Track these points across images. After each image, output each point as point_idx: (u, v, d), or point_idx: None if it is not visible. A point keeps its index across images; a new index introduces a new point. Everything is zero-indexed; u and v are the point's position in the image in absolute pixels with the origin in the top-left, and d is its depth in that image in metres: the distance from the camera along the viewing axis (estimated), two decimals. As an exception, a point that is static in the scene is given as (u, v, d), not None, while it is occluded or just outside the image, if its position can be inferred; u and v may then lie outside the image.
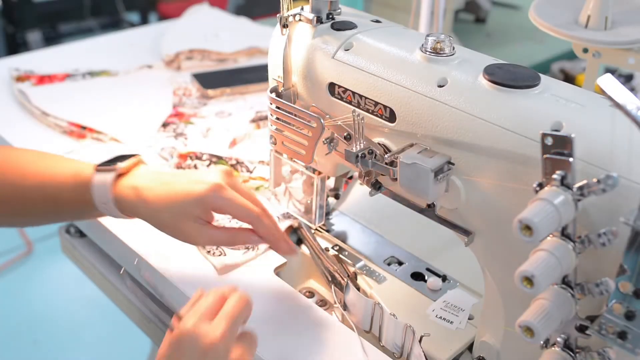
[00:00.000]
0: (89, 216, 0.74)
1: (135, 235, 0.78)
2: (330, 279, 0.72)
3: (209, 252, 0.75)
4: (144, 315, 0.81)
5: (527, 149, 0.51)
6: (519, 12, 1.78)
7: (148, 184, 0.66)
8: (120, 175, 0.68)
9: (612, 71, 1.24)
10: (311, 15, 0.66)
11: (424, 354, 0.61)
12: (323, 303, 0.74)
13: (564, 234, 0.46)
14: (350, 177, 0.87)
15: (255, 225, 0.66)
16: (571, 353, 0.50)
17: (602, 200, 0.47)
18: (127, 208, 0.67)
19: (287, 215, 0.81)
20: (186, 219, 0.64)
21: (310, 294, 0.76)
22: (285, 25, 0.67)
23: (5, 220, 0.73)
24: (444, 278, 0.74)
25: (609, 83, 0.44)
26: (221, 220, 0.77)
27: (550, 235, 0.47)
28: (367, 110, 0.62)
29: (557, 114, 0.51)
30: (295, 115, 0.66)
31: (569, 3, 0.78)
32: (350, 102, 0.64)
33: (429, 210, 0.61)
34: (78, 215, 0.75)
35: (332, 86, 0.65)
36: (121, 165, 0.68)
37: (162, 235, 0.76)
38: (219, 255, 0.74)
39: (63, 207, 0.71)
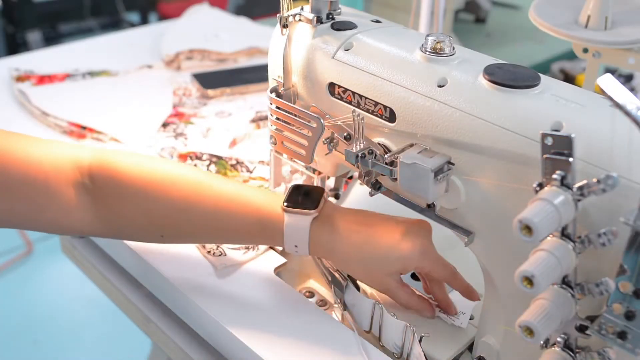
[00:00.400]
0: (267, 244, 0.72)
1: (135, 235, 0.78)
2: (330, 279, 0.72)
3: (209, 252, 0.75)
4: (144, 315, 0.81)
5: (527, 149, 0.51)
6: (519, 12, 1.78)
7: (348, 227, 0.64)
8: (315, 217, 0.65)
9: (612, 71, 1.24)
10: (311, 15, 0.66)
11: (424, 354, 0.61)
12: (323, 303, 0.74)
13: (564, 234, 0.46)
14: (350, 177, 0.87)
15: (451, 282, 0.66)
16: (571, 353, 0.50)
17: (602, 200, 0.47)
18: (319, 251, 0.65)
19: None
20: (384, 274, 0.64)
21: (310, 294, 0.76)
22: (285, 25, 0.67)
23: (174, 241, 0.71)
24: (444, 278, 0.74)
25: (609, 83, 0.44)
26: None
27: (550, 235, 0.47)
28: (367, 110, 0.62)
29: (557, 114, 0.51)
30: (295, 115, 0.66)
31: (569, 3, 0.78)
32: (350, 102, 0.64)
33: (429, 210, 0.61)
34: (258, 244, 0.72)
35: (332, 86, 0.65)
36: (316, 208, 0.64)
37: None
38: (219, 255, 0.74)
39: (231, 237, 0.68)
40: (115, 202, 0.65)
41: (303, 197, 0.66)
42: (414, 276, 0.75)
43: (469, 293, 0.67)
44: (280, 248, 0.77)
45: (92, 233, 0.68)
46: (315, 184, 0.74)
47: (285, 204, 0.65)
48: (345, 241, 0.63)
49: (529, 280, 0.43)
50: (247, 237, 0.67)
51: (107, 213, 0.66)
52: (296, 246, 0.65)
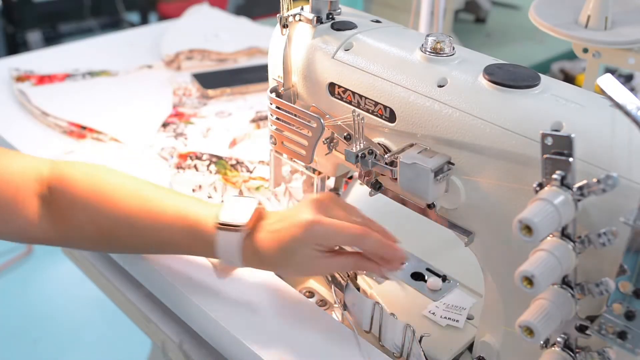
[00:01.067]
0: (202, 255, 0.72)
1: (135, 235, 0.78)
2: (330, 279, 0.72)
3: None
4: (144, 315, 0.81)
5: (527, 149, 0.51)
6: (519, 12, 1.78)
7: (267, 245, 0.65)
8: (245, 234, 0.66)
9: (612, 71, 1.24)
10: (311, 15, 0.66)
11: (424, 354, 0.61)
12: (323, 303, 0.74)
13: (564, 234, 0.46)
14: (350, 177, 0.87)
15: (360, 244, 0.64)
16: (571, 353, 0.50)
17: (602, 200, 0.47)
18: (250, 264, 0.67)
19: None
20: (301, 261, 0.64)
21: (310, 294, 0.76)
22: (285, 25, 0.67)
23: (100, 249, 0.75)
24: (444, 278, 0.74)
25: (609, 83, 0.44)
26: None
27: (550, 235, 0.47)
28: (367, 110, 0.63)
29: (557, 114, 0.51)
30: (295, 115, 0.66)
31: (569, 3, 0.78)
32: (350, 102, 0.64)
33: (429, 210, 0.61)
34: (191, 254, 0.73)
35: (332, 86, 0.65)
36: (245, 222, 0.65)
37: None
38: None
39: (171, 250, 0.71)
40: (67, 213, 0.68)
41: (239, 208, 0.67)
42: (414, 276, 0.75)
43: (387, 249, 0.64)
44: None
45: (50, 242, 0.70)
46: (315, 184, 0.74)
47: (219, 222, 0.65)
48: (267, 252, 0.64)
49: (529, 280, 0.43)
50: (187, 250, 0.69)
51: (61, 223, 0.68)
52: (230, 260, 0.66)
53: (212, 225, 0.65)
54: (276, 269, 0.68)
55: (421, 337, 0.62)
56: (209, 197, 0.86)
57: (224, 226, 0.65)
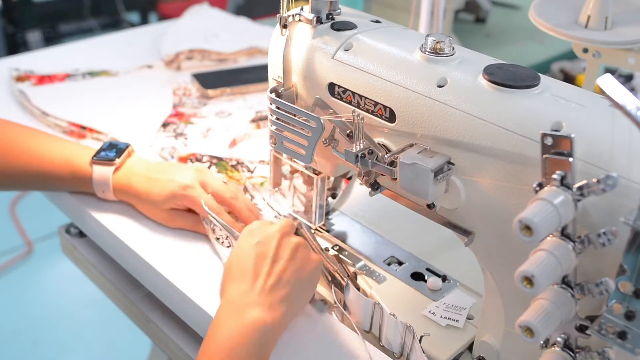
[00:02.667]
0: (82, 190, 0.83)
1: (136, 235, 0.78)
2: (330, 279, 0.72)
3: (217, 239, 0.76)
4: (144, 315, 0.81)
5: (527, 149, 0.51)
6: (519, 12, 1.78)
7: (139, 180, 0.78)
8: (116, 168, 0.79)
9: (612, 71, 1.24)
10: (311, 16, 0.66)
11: (424, 354, 0.61)
12: (323, 303, 0.74)
13: (564, 234, 0.46)
14: (349, 178, 0.87)
15: (231, 206, 0.78)
16: (571, 353, 0.50)
17: (602, 200, 0.47)
18: (120, 196, 0.80)
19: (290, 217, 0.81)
20: (161, 210, 0.78)
21: (310, 294, 0.76)
22: (285, 26, 0.67)
23: None
24: (444, 278, 0.74)
25: (609, 83, 0.44)
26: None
27: (550, 235, 0.47)
28: (367, 111, 0.63)
29: (557, 114, 0.51)
30: (295, 115, 0.66)
31: (569, 3, 0.78)
32: (350, 102, 0.64)
33: (429, 210, 0.61)
34: (73, 190, 0.84)
35: (332, 86, 0.65)
36: (118, 160, 0.79)
37: (162, 236, 0.76)
38: (228, 246, 0.75)
39: (56, 187, 0.83)
40: None
41: (111, 150, 0.81)
42: (414, 276, 0.75)
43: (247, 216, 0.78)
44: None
45: None
46: (315, 184, 0.74)
47: (95, 157, 0.80)
48: (137, 186, 0.78)
49: (529, 280, 0.43)
50: (63, 185, 0.82)
51: None
52: (103, 191, 0.80)
53: (88, 161, 0.79)
54: (137, 207, 0.80)
55: (421, 337, 0.62)
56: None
57: (99, 162, 0.79)
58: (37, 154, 0.79)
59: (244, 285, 0.61)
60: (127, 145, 0.82)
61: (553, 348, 0.51)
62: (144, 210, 0.80)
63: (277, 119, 0.69)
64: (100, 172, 0.79)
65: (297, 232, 0.81)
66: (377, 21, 0.68)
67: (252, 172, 0.91)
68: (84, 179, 0.79)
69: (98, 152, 0.81)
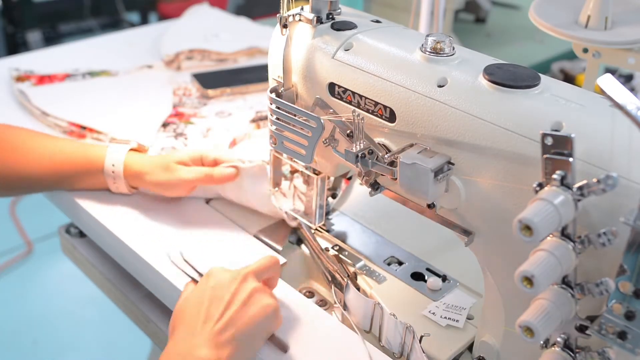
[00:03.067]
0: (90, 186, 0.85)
1: (136, 235, 0.78)
2: (330, 279, 0.72)
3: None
4: (144, 315, 0.81)
5: (527, 149, 0.51)
6: (519, 12, 1.78)
7: (149, 167, 0.81)
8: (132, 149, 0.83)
9: (612, 71, 1.24)
10: (311, 15, 0.66)
11: (424, 354, 0.61)
12: (323, 303, 0.74)
13: (564, 234, 0.46)
14: (350, 178, 0.87)
15: (206, 181, 0.80)
16: (571, 353, 0.50)
17: (602, 200, 0.47)
18: (132, 176, 0.82)
19: (290, 217, 0.81)
20: (176, 173, 0.80)
21: (310, 294, 0.76)
22: (285, 25, 0.67)
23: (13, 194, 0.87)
24: (444, 278, 0.74)
25: (609, 83, 0.44)
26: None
27: (550, 235, 0.47)
28: (367, 110, 0.63)
29: (557, 114, 0.51)
30: (295, 115, 0.66)
31: (569, 3, 0.78)
32: (350, 102, 0.64)
33: (429, 210, 0.61)
34: (81, 185, 0.85)
35: (332, 86, 0.65)
36: (135, 144, 0.86)
37: (162, 237, 0.76)
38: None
39: (69, 180, 0.83)
40: None
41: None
42: (414, 276, 0.75)
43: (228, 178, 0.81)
44: (278, 250, 0.77)
45: None
46: (315, 184, 0.74)
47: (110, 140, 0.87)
48: (147, 168, 0.81)
49: (529, 280, 0.43)
50: (76, 176, 0.83)
51: None
52: (113, 165, 0.81)
53: (103, 152, 0.82)
54: (145, 184, 0.82)
55: (421, 337, 0.62)
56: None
57: (115, 140, 0.88)
58: (48, 150, 0.81)
59: (194, 327, 0.60)
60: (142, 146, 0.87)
61: (553, 348, 0.51)
62: (158, 181, 0.81)
63: (277, 119, 0.68)
64: (116, 148, 0.82)
65: (296, 233, 0.81)
66: (377, 21, 0.68)
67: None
68: (97, 164, 0.81)
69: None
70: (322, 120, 0.64)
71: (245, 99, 1.13)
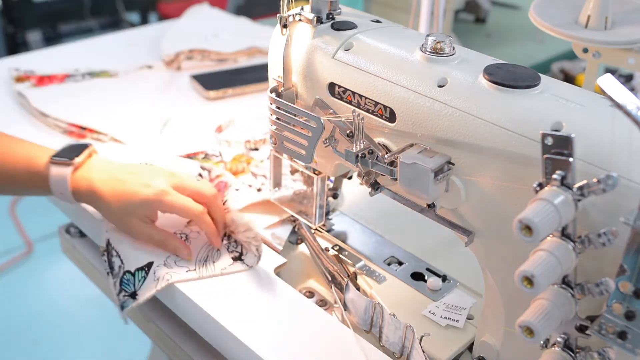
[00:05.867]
0: (43, 195, 0.80)
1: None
2: (330, 279, 0.72)
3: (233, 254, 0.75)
4: (144, 315, 0.81)
5: (527, 149, 0.51)
6: (519, 12, 1.78)
7: (102, 179, 0.73)
8: (75, 167, 0.75)
9: (612, 71, 1.24)
10: (311, 15, 0.66)
11: (424, 354, 0.61)
12: (323, 303, 0.74)
13: (564, 234, 0.46)
14: (350, 177, 0.87)
15: (197, 223, 0.73)
16: (571, 353, 0.50)
17: (602, 200, 0.47)
18: (82, 199, 0.75)
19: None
20: (132, 217, 0.72)
21: (310, 294, 0.76)
22: (285, 25, 0.67)
23: None
24: (444, 278, 0.74)
25: (609, 83, 0.44)
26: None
27: (550, 235, 0.47)
28: (367, 110, 0.63)
29: (557, 114, 0.51)
30: (295, 115, 0.66)
31: (569, 3, 0.78)
32: (350, 102, 0.64)
33: (429, 210, 0.61)
34: (32, 194, 0.80)
35: (332, 86, 0.65)
36: (78, 160, 0.75)
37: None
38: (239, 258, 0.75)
39: (17, 188, 0.79)
40: None
41: (72, 151, 0.76)
42: (414, 276, 0.75)
43: (211, 238, 0.74)
44: (278, 250, 0.77)
45: None
46: (315, 184, 0.74)
47: (53, 157, 0.75)
48: (101, 187, 0.73)
49: (529, 280, 0.43)
50: (21, 186, 0.78)
51: None
52: (62, 193, 0.75)
53: (46, 161, 0.74)
54: (102, 211, 0.75)
55: (421, 337, 0.62)
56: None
57: (56, 161, 0.74)
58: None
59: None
60: (88, 145, 0.78)
61: (553, 348, 0.51)
62: (109, 216, 0.74)
63: (277, 118, 0.68)
64: (58, 172, 0.74)
65: (296, 233, 0.81)
66: (377, 21, 0.68)
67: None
68: (43, 180, 0.74)
69: (58, 152, 0.76)
70: (322, 120, 0.64)
71: (245, 99, 1.13)
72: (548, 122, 0.51)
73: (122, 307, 0.71)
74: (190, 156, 0.93)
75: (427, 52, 0.59)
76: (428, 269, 0.76)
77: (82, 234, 0.94)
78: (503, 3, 1.82)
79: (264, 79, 0.85)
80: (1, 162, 0.75)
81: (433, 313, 0.69)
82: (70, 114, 1.02)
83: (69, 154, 0.75)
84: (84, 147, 0.77)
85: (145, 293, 0.70)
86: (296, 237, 0.81)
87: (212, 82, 1.14)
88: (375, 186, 0.64)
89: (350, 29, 0.66)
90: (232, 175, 0.86)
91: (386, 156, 0.60)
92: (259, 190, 0.86)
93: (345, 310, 0.69)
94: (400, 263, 0.77)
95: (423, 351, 0.61)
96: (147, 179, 0.73)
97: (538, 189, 0.47)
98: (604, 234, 0.45)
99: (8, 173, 0.75)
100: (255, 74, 1.18)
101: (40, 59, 1.23)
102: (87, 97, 1.09)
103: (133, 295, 0.71)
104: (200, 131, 1.01)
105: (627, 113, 0.43)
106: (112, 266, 0.74)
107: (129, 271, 0.72)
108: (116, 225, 0.75)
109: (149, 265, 0.72)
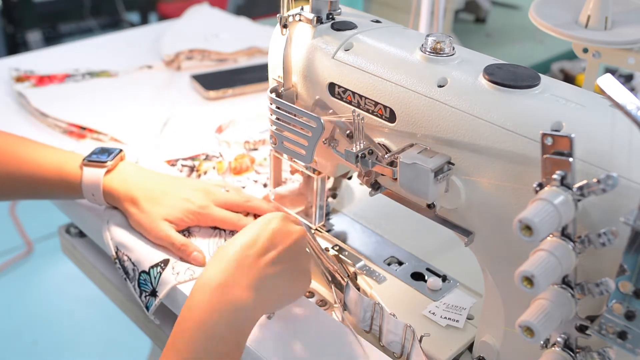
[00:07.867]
0: (72, 198, 0.82)
1: (135, 235, 0.78)
2: (330, 279, 0.72)
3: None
4: (144, 315, 0.81)
5: (527, 149, 0.51)
6: (519, 12, 1.78)
7: (139, 184, 0.76)
8: (108, 170, 0.77)
9: (612, 71, 1.24)
10: (311, 15, 0.66)
11: (424, 354, 0.61)
12: (323, 303, 0.74)
13: (564, 234, 0.46)
14: (350, 177, 0.87)
15: (239, 228, 0.75)
16: (571, 353, 0.50)
17: (602, 200, 0.47)
18: (114, 200, 0.77)
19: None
20: (162, 225, 0.74)
21: (310, 294, 0.76)
22: (285, 25, 0.67)
23: None
24: (444, 278, 0.74)
25: (609, 83, 0.44)
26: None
27: (550, 235, 0.47)
28: (367, 111, 0.63)
29: (557, 114, 0.51)
30: (295, 115, 0.66)
31: (569, 3, 0.78)
32: (350, 102, 0.64)
33: (429, 210, 0.61)
34: (61, 197, 0.82)
35: (332, 86, 0.65)
36: (110, 163, 0.77)
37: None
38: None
39: (46, 194, 0.80)
40: None
41: (105, 155, 0.79)
42: (414, 276, 0.75)
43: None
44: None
45: None
46: (315, 184, 0.74)
47: (86, 159, 0.77)
48: (136, 192, 0.75)
49: (529, 280, 0.43)
50: (54, 191, 0.79)
51: None
52: (93, 195, 0.77)
53: (79, 164, 0.77)
54: (135, 217, 0.75)
55: (421, 337, 0.62)
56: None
57: (89, 164, 0.77)
58: (27, 160, 0.77)
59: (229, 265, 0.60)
60: (120, 150, 0.80)
61: (553, 348, 0.51)
62: (138, 219, 0.75)
63: (277, 119, 0.69)
64: (91, 174, 0.76)
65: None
66: (377, 21, 0.68)
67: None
68: (74, 183, 0.77)
69: (89, 155, 0.78)
70: (322, 120, 0.64)
71: (246, 99, 1.13)
72: (548, 122, 0.51)
73: (147, 308, 0.71)
74: (192, 158, 0.93)
75: (427, 52, 0.59)
76: (428, 269, 0.76)
77: (82, 234, 0.94)
78: (503, 3, 1.81)
79: (264, 79, 0.85)
80: (33, 168, 0.77)
81: (433, 313, 0.69)
82: (70, 114, 1.02)
83: (100, 156, 0.78)
84: (115, 151, 0.80)
85: (164, 287, 0.70)
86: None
87: (212, 82, 1.14)
88: (375, 186, 0.64)
89: (350, 29, 0.66)
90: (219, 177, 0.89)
91: (386, 156, 0.60)
92: (264, 185, 0.87)
93: (345, 310, 0.69)
94: (400, 263, 0.77)
95: (423, 351, 0.61)
96: (186, 194, 0.76)
97: (538, 189, 0.47)
98: (604, 234, 0.45)
99: (39, 179, 0.77)
100: (255, 74, 1.18)
101: (40, 59, 1.23)
102: (87, 97, 1.09)
103: (153, 293, 0.71)
104: (200, 131, 1.01)
105: (627, 113, 0.43)
106: (127, 271, 0.74)
107: (143, 271, 0.72)
108: (141, 230, 0.75)
109: (165, 262, 0.72)
